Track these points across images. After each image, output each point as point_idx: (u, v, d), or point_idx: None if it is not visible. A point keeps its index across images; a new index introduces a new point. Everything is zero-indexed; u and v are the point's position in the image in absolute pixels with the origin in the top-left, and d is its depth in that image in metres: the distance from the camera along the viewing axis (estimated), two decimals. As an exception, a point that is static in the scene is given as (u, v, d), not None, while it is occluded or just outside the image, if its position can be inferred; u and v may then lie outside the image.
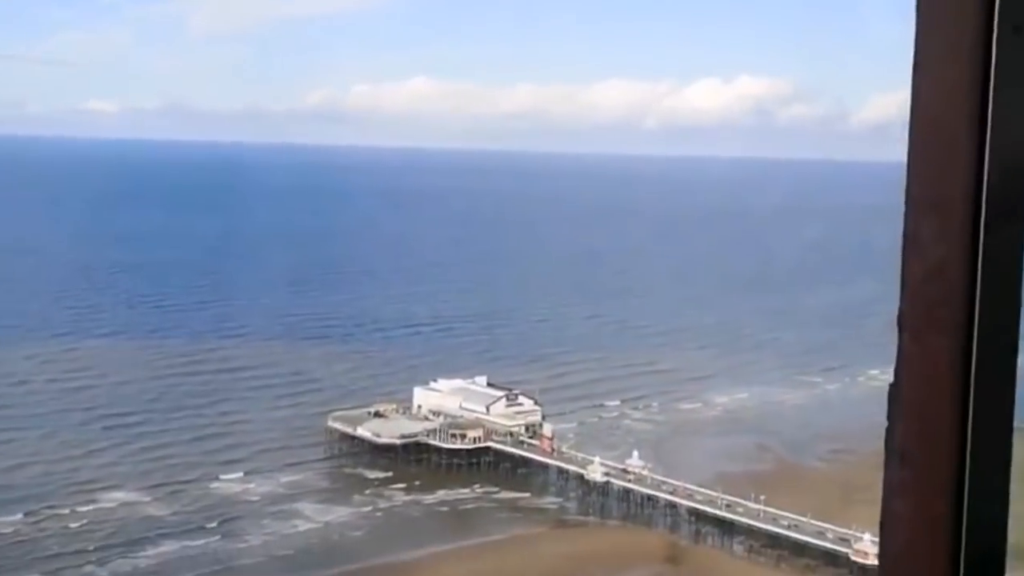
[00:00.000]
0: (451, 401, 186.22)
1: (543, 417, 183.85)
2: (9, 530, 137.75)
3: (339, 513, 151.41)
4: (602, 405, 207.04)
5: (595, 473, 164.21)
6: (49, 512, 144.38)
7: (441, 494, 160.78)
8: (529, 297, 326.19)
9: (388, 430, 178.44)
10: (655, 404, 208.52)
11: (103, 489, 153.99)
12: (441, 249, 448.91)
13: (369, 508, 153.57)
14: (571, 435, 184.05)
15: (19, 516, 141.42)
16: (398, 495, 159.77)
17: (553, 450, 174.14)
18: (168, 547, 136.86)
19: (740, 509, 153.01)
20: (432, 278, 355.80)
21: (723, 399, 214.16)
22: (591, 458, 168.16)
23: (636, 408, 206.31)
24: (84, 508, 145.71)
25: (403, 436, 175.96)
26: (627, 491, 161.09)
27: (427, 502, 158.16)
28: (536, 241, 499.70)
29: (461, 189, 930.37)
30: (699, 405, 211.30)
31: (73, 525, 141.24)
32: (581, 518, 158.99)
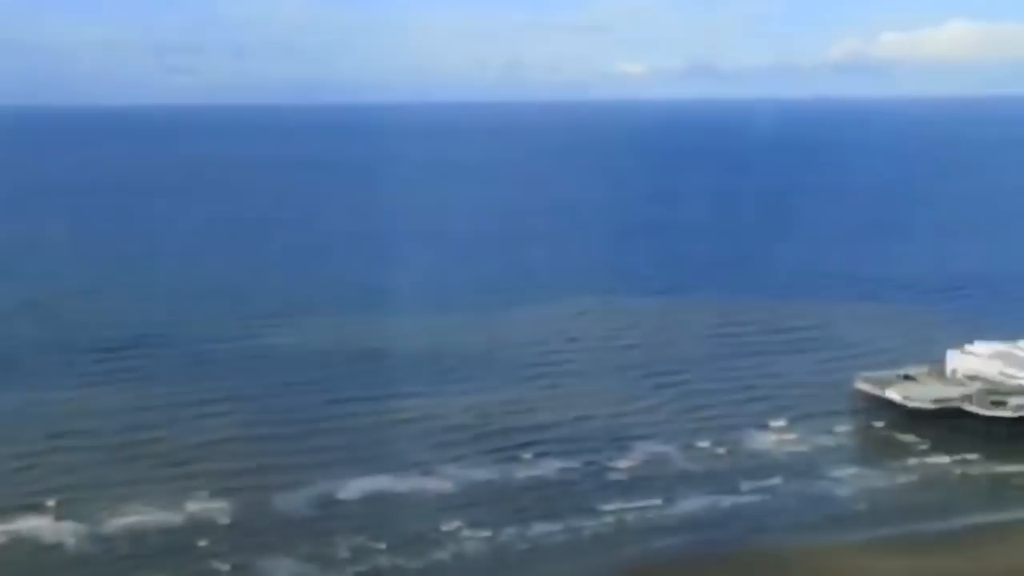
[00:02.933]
0: (990, 365, 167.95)
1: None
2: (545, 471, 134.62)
3: (872, 478, 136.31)
4: None
5: None
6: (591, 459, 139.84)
7: (981, 464, 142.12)
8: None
9: (919, 394, 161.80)
10: None
11: (640, 439, 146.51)
12: (979, 204, 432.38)
13: (903, 474, 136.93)
14: None
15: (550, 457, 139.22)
16: (934, 462, 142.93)
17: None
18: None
19: None
20: (977, 234, 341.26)
21: None
22: None
23: None
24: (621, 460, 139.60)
25: (936, 401, 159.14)
26: None
27: (966, 471, 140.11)
28: None
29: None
30: None
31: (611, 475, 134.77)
32: None
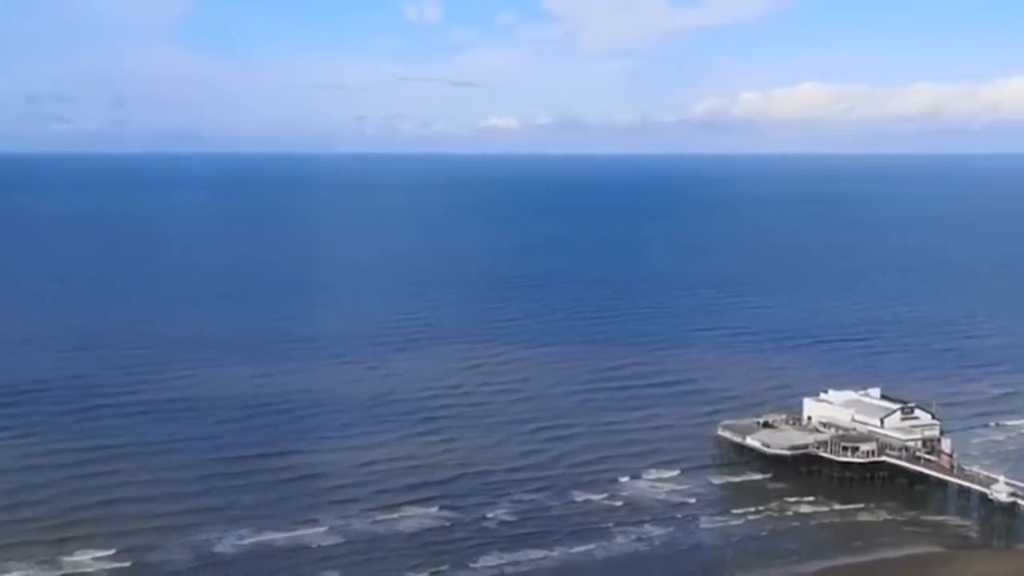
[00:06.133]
0: (842, 413, 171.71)
1: (942, 432, 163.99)
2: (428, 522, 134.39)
3: (738, 524, 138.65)
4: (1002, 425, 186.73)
5: (1000, 493, 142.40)
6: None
7: (835, 507, 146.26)
8: (943, 308, 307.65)
9: (777, 441, 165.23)
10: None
11: (520, 489, 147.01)
12: (840, 258, 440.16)
13: (767, 521, 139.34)
14: (973, 452, 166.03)
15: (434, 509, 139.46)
16: (794, 508, 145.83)
17: (953, 467, 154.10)
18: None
19: None
20: (836, 289, 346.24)
21: None
22: (995, 476, 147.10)
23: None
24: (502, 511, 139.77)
25: (793, 448, 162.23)
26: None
27: (823, 516, 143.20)
28: (949, 248, 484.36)
29: (856, 195, 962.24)
30: None
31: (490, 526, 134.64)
32: (983, 540, 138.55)
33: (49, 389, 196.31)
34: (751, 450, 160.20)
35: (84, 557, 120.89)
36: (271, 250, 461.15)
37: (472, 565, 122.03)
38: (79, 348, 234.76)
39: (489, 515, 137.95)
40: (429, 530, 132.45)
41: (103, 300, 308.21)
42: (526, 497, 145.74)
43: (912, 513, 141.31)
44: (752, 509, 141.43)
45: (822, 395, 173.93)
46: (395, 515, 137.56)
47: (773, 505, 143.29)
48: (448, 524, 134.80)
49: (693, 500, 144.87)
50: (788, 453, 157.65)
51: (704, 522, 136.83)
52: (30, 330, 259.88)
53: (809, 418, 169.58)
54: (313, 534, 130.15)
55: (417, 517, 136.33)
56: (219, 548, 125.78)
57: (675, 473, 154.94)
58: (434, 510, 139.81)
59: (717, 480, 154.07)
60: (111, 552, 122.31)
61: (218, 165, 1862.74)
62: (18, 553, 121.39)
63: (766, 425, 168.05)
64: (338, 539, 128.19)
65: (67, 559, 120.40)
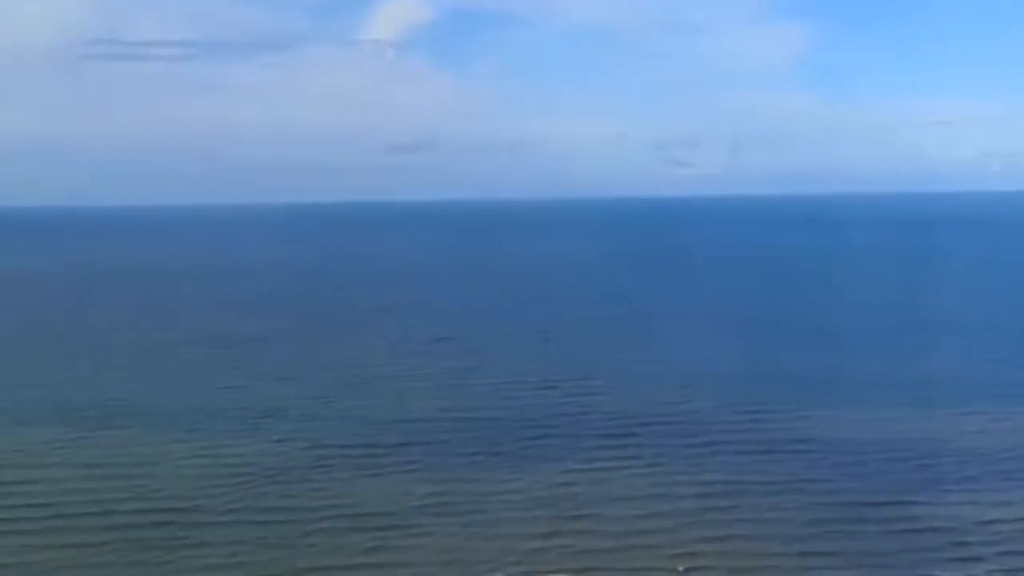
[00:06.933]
0: None
1: None
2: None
3: None
4: None
5: None
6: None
7: None
8: None
9: None
10: None
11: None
12: None
13: None
14: None
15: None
16: None
17: None
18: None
19: None
20: None
21: None
22: None
23: None
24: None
25: None
26: None
27: None
28: None
29: None
30: None
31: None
32: None
33: (672, 422, 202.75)
34: None
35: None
36: (878, 290, 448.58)
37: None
38: (695, 384, 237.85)
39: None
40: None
41: (723, 338, 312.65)
42: None
43: None
44: None
45: None
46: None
47: None
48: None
49: None
50: None
51: None
52: (666, 363, 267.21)
53: None
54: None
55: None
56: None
57: None
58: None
59: None
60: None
61: (826, 205, 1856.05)
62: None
63: None
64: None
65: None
